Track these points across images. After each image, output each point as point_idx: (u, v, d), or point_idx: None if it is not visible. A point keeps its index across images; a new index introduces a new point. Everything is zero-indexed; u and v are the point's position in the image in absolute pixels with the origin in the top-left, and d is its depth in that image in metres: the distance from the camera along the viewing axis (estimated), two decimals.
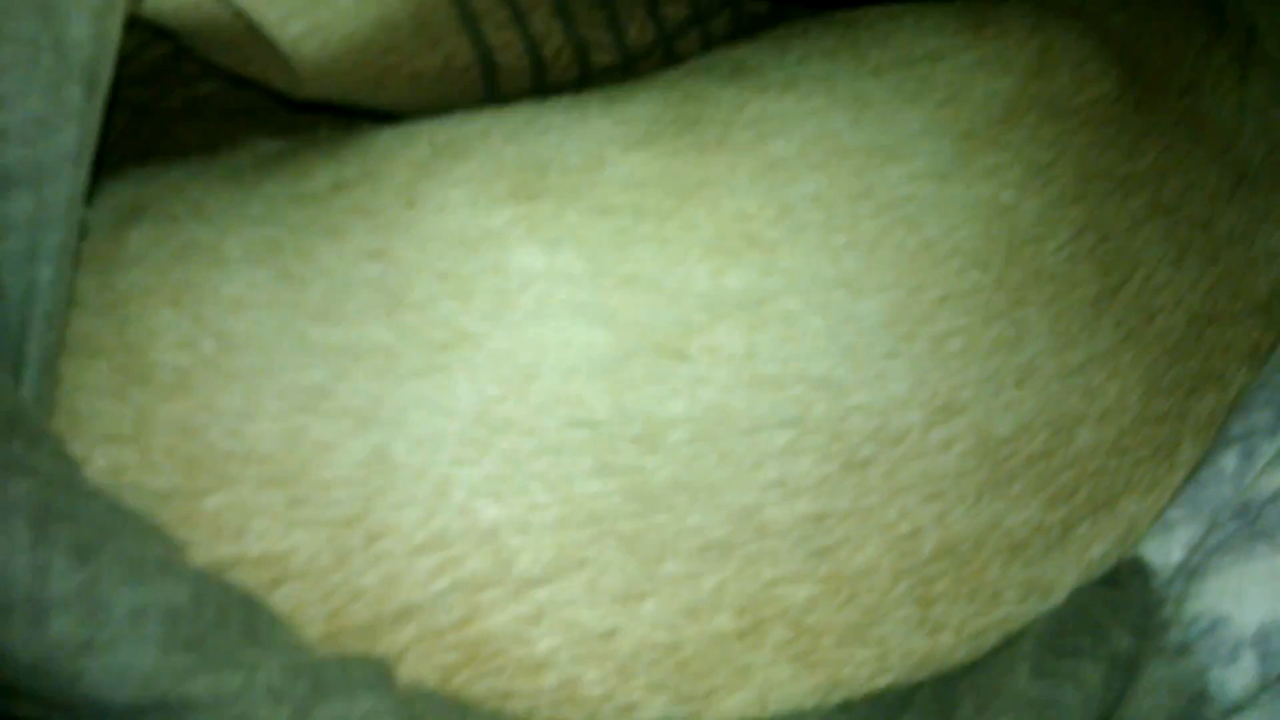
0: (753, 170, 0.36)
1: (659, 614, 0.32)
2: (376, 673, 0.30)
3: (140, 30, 0.38)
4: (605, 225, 0.35)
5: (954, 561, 0.34)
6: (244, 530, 0.32)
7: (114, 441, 0.33)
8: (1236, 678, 0.33)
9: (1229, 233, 0.40)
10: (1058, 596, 0.35)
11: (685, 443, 0.33)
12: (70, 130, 0.30)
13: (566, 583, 0.32)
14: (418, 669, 0.32)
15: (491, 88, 0.43)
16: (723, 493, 0.33)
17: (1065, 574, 0.36)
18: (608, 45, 0.43)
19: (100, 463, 0.33)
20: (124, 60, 0.40)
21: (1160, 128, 0.41)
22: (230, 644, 0.28)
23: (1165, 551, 0.37)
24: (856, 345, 0.34)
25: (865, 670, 0.34)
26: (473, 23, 0.39)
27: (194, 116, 0.45)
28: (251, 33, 0.37)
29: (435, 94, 0.43)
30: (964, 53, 0.40)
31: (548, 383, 0.33)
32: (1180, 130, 0.41)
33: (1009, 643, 0.35)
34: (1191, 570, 0.36)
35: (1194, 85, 0.42)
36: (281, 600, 0.31)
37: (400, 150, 0.38)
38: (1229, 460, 0.38)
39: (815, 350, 0.34)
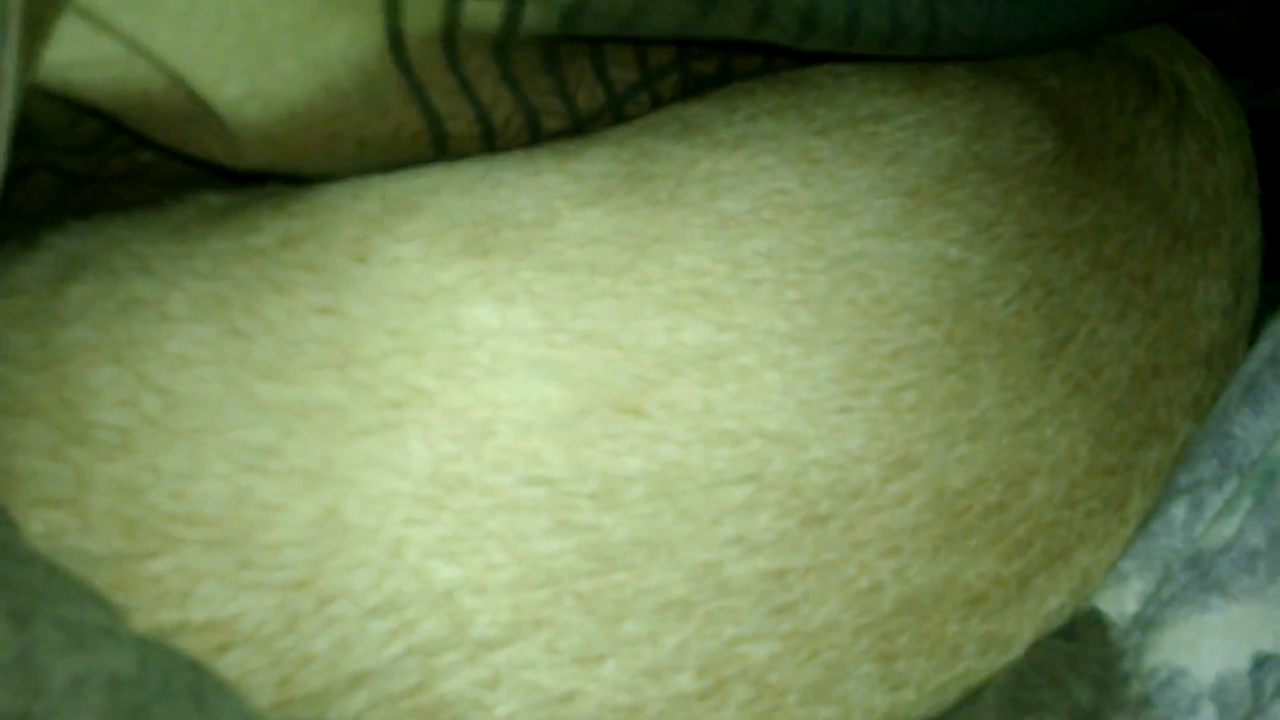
0: (705, 226, 0.36)
1: (619, 675, 0.32)
2: None
3: (72, 107, 0.37)
4: (560, 281, 0.35)
5: (914, 616, 0.34)
6: (189, 594, 0.31)
7: (51, 504, 0.32)
8: None
9: (1168, 288, 0.41)
10: (1017, 650, 0.35)
11: (643, 500, 0.33)
12: None
13: (524, 645, 0.32)
14: None
15: (441, 152, 0.43)
16: (682, 550, 0.32)
17: (1024, 627, 0.36)
18: (557, 111, 0.43)
19: (37, 526, 0.32)
20: (56, 133, 0.39)
21: (1099, 186, 0.42)
22: (176, 713, 0.26)
23: (1120, 603, 0.37)
24: (812, 400, 0.34)
25: None
26: (420, 91, 0.39)
27: (136, 180, 0.44)
28: (189, 102, 0.36)
29: (384, 158, 0.42)
30: (908, 113, 0.41)
31: (503, 440, 0.33)
32: (1118, 189, 0.42)
33: (970, 698, 0.34)
34: (1148, 622, 0.36)
35: (1130, 145, 0.43)
36: (229, 667, 0.30)
37: (350, 205, 0.37)
38: (1178, 511, 0.39)
39: (771, 405, 0.34)
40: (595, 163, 0.39)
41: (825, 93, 0.43)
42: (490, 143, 0.42)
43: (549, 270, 0.35)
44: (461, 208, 0.37)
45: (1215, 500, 0.39)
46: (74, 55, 0.34)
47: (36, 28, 0.31)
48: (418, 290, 0.35)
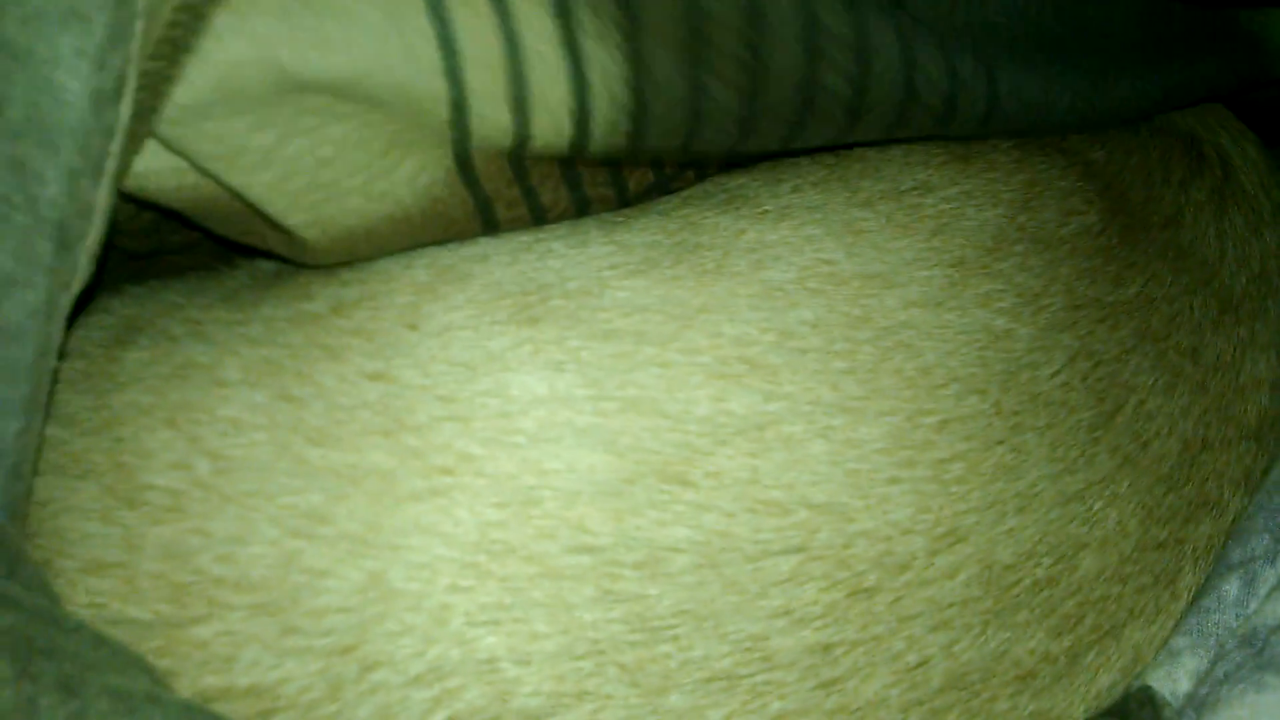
0: (751, 296, 0.37)
1: None
2: None
3: (137, 203, 0.38)
4: (607, 349, 0.35)
5: (963, 693, 0.33)
6: (233, 660, 0.31)
7: (100, 568, 0.33)
8: None
9: (1216, 361, 0.41)
10: None
11: (689, 570, 0.32)
12: (39, 286, 0.29)
13: (568, 716, 0.31)
14: None
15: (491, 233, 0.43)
16: (728, 621, 0.32)
17: (1074, 705, 0.35)
18: (607, 196, 0.43)
19: (84, 590, 0.32)
20: (119, 222, 0.40)
21: (1145, 258, 0.42)
22: None
23: (1173, 680, 0.36)
24: (859, 471, 0.34)
25: None
26: (485, 204, 0.40)
27: (191, 250, 0.45)
28: (252, 211, 0.37)
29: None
30: (952, 185, 0.42)
31: (549, 507, 0.33)
32: (1164, 261, 0.42)
33: None
34: (1201, 702, 0.35)
35: (1175, 218, 0.43)
36: None
37: (401, 273, 0.38)
38: (1231, 587, 0.38)
39: (818, 476, 0.34)
40: (642, 233, 0.39)
41: (869, 165, 0.43)
42: (538, 224, 0.43)
43: (596, 339, 0.35)
44: (510, 276, 0.37)
45: (1269, 575, 0.38)
46: (151, 167, 0.35)
47: (124, 162, 0.32)
48: (467, 358, 0.35)
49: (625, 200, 0.43)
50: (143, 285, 0.41)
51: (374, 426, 0.34)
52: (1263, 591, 0.38)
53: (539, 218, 0.41)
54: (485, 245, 0.39)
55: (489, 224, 0.40)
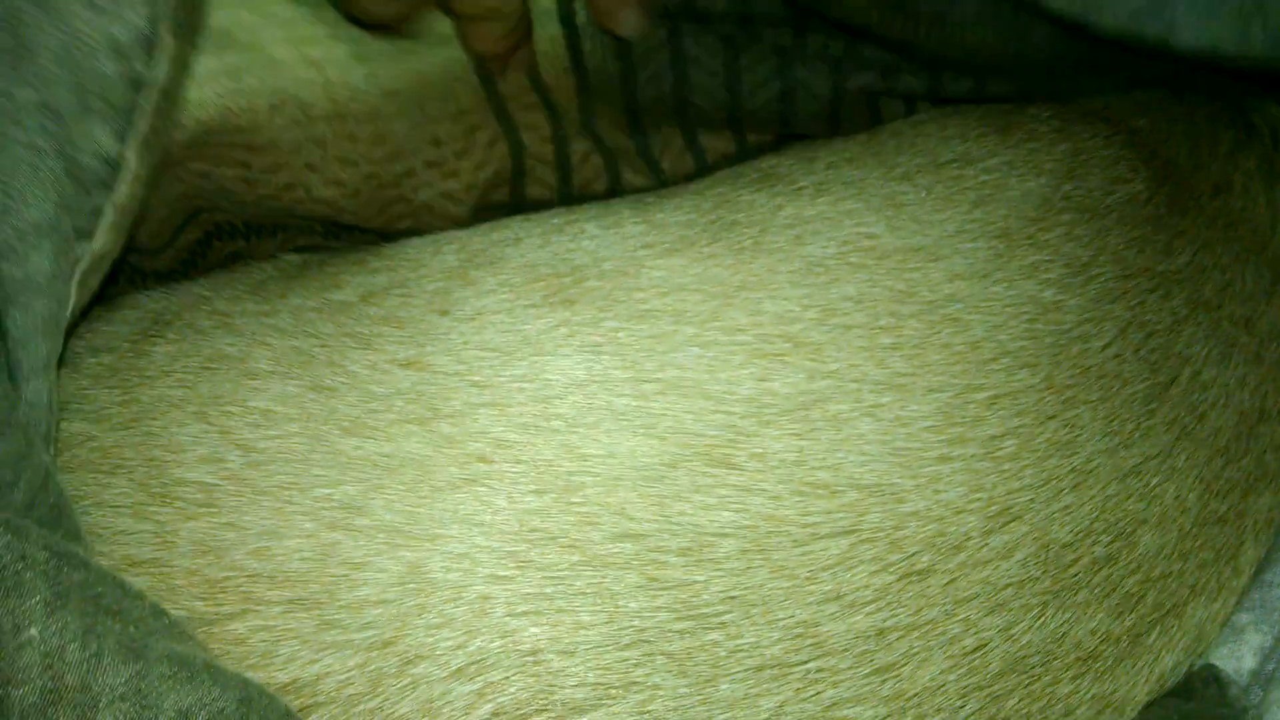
0: (792, 272, 0.36)
1: None
2: None
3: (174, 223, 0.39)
4: (645, 330, 0.34)
5: (1023, 677, 0.32)
6: (271, 655, 0.31)
7: (134, 565, 0.32)
8: None
9: (1271, 330, 0.39)
10: (1131, 711, 0.34)
11: (736, 555, 0.31)
12: (63, 237, 0.29)
13: (615, 708, 0.30)
14: None
15: (520, 183, 0.43)
16: (777, 608, 0.31)
17: (1138, 687, 0.34)
18: (639, 167, 0.43)
19: None
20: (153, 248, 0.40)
21: (1194, 227, 0.40)
22: None
23: (1237, 658, 0.35)
24: (908, 449, 0.33)
25: None
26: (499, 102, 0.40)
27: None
28: (293, 124, 0.38)
29: (462, 194, 0.43)
30: (992, 156, 0.40)
31: (590, 494, 0.32)
32: (1214, 230, 0.41)
33: None
34: (1269, 678, 0.34)
35: (1224, 186, 0.42)
36: None
37: (431, 259, 0.37)
38: None
39: (867, 455, 0.33)
40: (676, 212, 0.38)
41: (904, 140, 0.42)
42: (567, 178, 0.42)
43: (634, 319, 0.34)
44: (543, 259, 0.36)
45: None
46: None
47: (160, 123, 0.32)
48: (501, 342, 0.34)
49: (660, 178, 0.42)
50: (168, 280, 0.40)
51: (408, 415, 0.33)
52: None
53: (560, 139, 0.41)
54: (516, 228, 0.39)
55: (507, 126, 0.41)
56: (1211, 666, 0.35)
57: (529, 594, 0.31)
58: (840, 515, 0.32)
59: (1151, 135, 0.43)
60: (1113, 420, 0.35)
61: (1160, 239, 0.40)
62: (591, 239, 0.37)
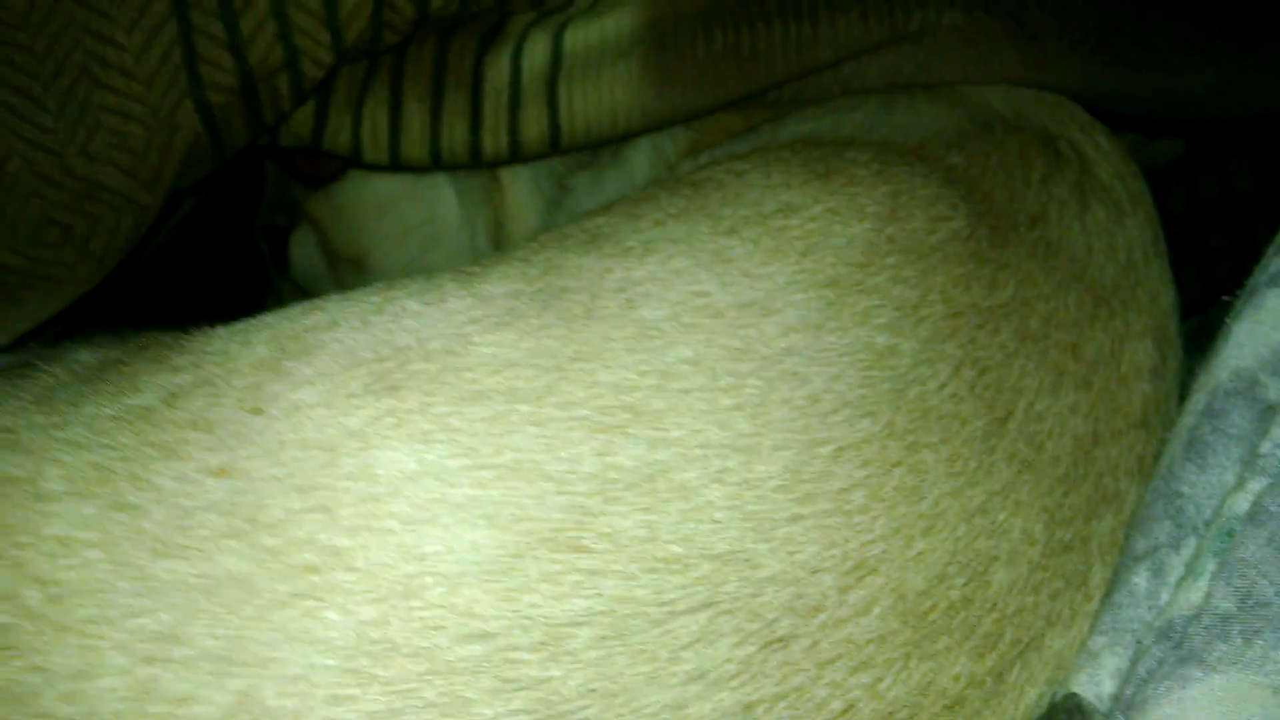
0: (626, 338, 0.34)
1: None
2: None
3: None
4: (478, 413, 0.32)
5: None
6: None
7: None
8: None
9: (1097, 355, 0.40)
10: None
11: (593, 644, 0.30)
12: None
13: None
14: None
15: None
16: (639, 695, 0.30)
17: None
18: None
19: None
20: None
21: (1016, 259, 0.41)
22: None
23: (1096, 683, 0.35)
24: (759, 512, 0.32)
25: None
26: None
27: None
28: None
29: None
30: (815, 203, 0.40)
31: (432, 596, 0.30)
32: (1034, 261, 0.42)
33: None
34: (1129, 703, 0.34)
35: (1041, 216, 0.43)
36: None
37: (239, 351, 0.35)
38: (1139, 579, 0.37)
39: (718, 523, 0.32)
40: (502, 282, 0.37)
41: (729, 192, 0.42)
42: None
43: (465, 402, 0.32)
44: (363, 343, 0.34)
45: (1175, 563, 0.38)
46: None
47: None
48: (323, 439, 0.32)
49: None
50: None
51: (224, 529, 0.30)
52: (1172, 580, 0.37)
53: None
54: (332, 310, 0.36)
55: None
56: (1073, 695, 0.35)
57: (375, 711, 0.29)
58: (696, 589, 0.31)
59: (967, 171, 0.44)
60: (956, 461, 0.35)
61: (984, 274, 0.40)
62: (414, 317, 0.35)
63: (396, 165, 0.53)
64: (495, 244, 0.62)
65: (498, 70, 0.50)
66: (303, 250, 0.68)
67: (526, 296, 0.36)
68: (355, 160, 0.53)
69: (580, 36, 0.50)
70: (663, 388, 0.33)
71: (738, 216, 0.40)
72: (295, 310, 0.37)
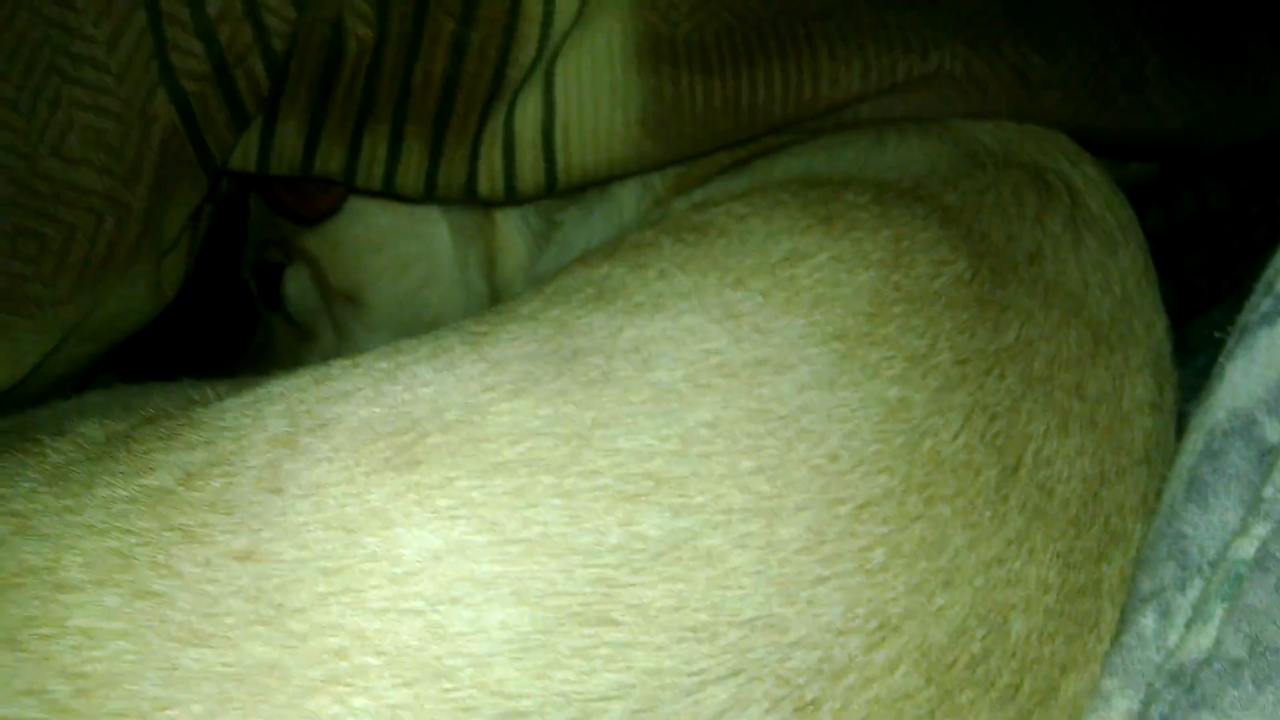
0: (643, 403, 0.34)
1: None
2: None
3: None
4: (500, 486, 0.32)
5: None
6: None
7: None
8: None
9: (1099, 393, 0.41)
10: None
11: (625, 718, 0.30)
12: None
13: None
14: None
15: None
16: None
17: None
18: None
19: None
20: None
21: (1017, 299, 0.42)
22: None
23: None
24: (784, 575, 0.32)
25: None
26: None
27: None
28: None
29: None
30: (820, 250, 0.40)
31: (464, 677, 0.30)
32: (1034, 299, 0.42)
33: None
34: None
35: (1037, 253, 0.44)
36: None
37: (251, 427, 0.34)
38: (1147, 621, 0.38)
39: (744, 589, 0.32)
40: (515, 344, 0.37)
41: (733, 239, 0.42)
42: None
43: (486, 475, 0.32)
44: (379, 415, 0.34)
45: (1182, 604, 0.38)
46: None
47: None
48: (345, 518, 0.31)
49: None
50: None
51: (251, 615, 0.30)
52: (1180, 622, 0.37)
53: None
54: (343, 379, 0.36)
55: None
56: None
57: None
58: (725, 656, 0.31)
59: (964, 210, 0.44)
60: (971, 512, 0.36)
61: (988, 317, 0.40)
62: (427, 385, 0.35)
63: (389, 193, 0.52)
64: (487, 278, 0.62)
65: (496, 120, 0.50)
66: (298, 285, 0.68)
67: (540, 359, 0.36)
68: (346, 184, 0.52)
69: (572, 72, 0.49)
70: (683, 453, 0.33)
71: (744, 267, 0.40)
72: (305, 379, 0.36)
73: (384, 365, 0.36)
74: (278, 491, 0.32)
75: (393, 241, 0.63)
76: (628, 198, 0.56)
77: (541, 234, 0.59)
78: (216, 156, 0.48)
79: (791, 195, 0.45)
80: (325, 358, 0.70)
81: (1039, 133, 0.50)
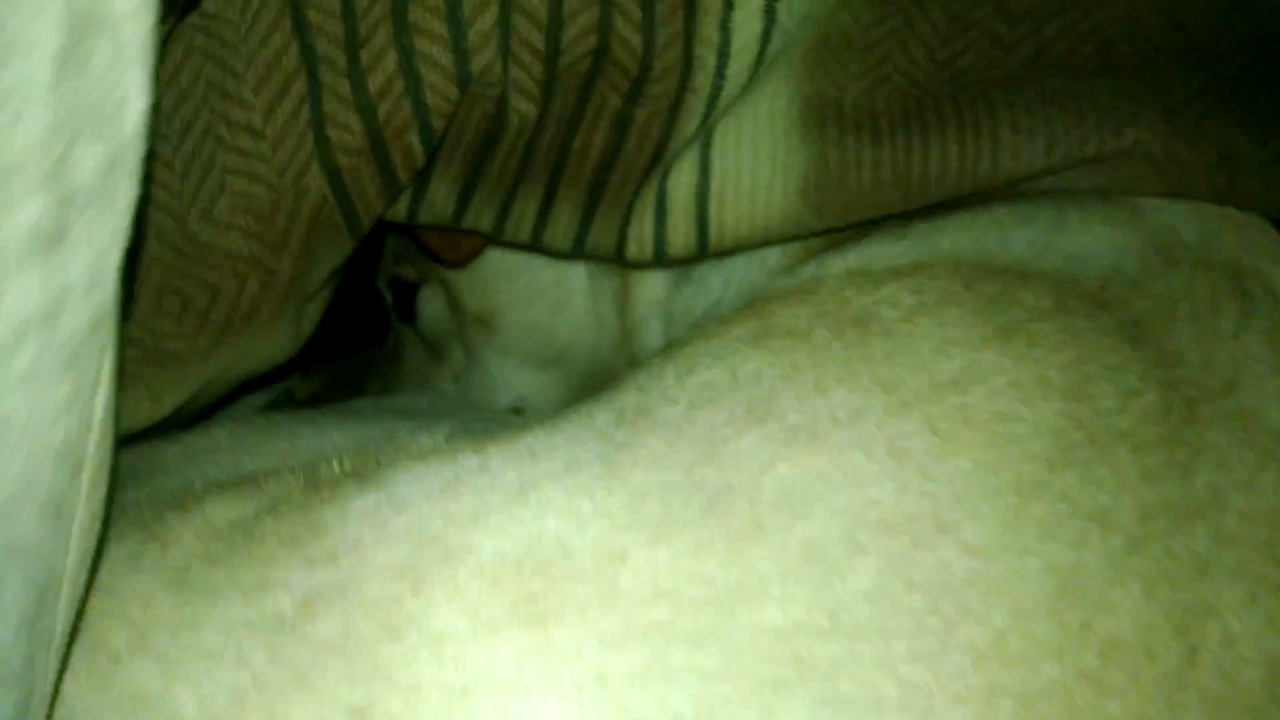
0: (793, 565, 0.31)
1: None
2: None
3: None
4: (633, 659, 0.30)
5: None
6: None
7: None
8: None
9: None
10: None
11: None
12: None
13: None
14: None
15: None
16: None
17: None
18: None
19: None
20: None
21: (1211, 439, 0.37)
22: None
23: None
24: None
25: None
26: None
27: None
28: None
29: None
30: (997, 373, 0.37)
31: None
32: (1229, 437, 0.38)
33: None
34: None
35: (1234, 381, 0.39)
36: None
37: (375, 547, 0.32)
38: None
39: None
40: (654, 468, 0.34)
41: (898, 342, 0.38)
42: None
43: (620, 644, 0.30)
44: (506, 551, 0.32)
45: None
46: None
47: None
48: (465, 679, 0.29)
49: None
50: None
51: None
52: None
53: None
54: (471, 495, 0.34)
55: None
56: None
57: None
58: None
59: (1155, 325, 0.40)
60: (1145, 706, 0.32)
61: (1178, 460, 0.36)
62: (558, 515, 0.33)
63: (536, 248, 0.51)
64: (619, 312, 0.59)
65: (650, 187, 0.47)
66: (432, 306, 0.67)
67: (684, 494, 0.33)
68: (493, 239, 0.51)
69: (731, 136, 0.46)
70: (832, 632, 0.31)
71: (909, 386, 0.36)
72: (432, 483, 0.34)
73: (512, 479, 0.34)
74: (397, 637, 0.30)
75: (528, 267, 0.61)
76: None
77: (678, 270, 0.56)
78: (365, 222, 0.46)
79: (964, 287, 0.40)
80: (454, 377, 0.70)
81: (1239, 221, 0.45)
